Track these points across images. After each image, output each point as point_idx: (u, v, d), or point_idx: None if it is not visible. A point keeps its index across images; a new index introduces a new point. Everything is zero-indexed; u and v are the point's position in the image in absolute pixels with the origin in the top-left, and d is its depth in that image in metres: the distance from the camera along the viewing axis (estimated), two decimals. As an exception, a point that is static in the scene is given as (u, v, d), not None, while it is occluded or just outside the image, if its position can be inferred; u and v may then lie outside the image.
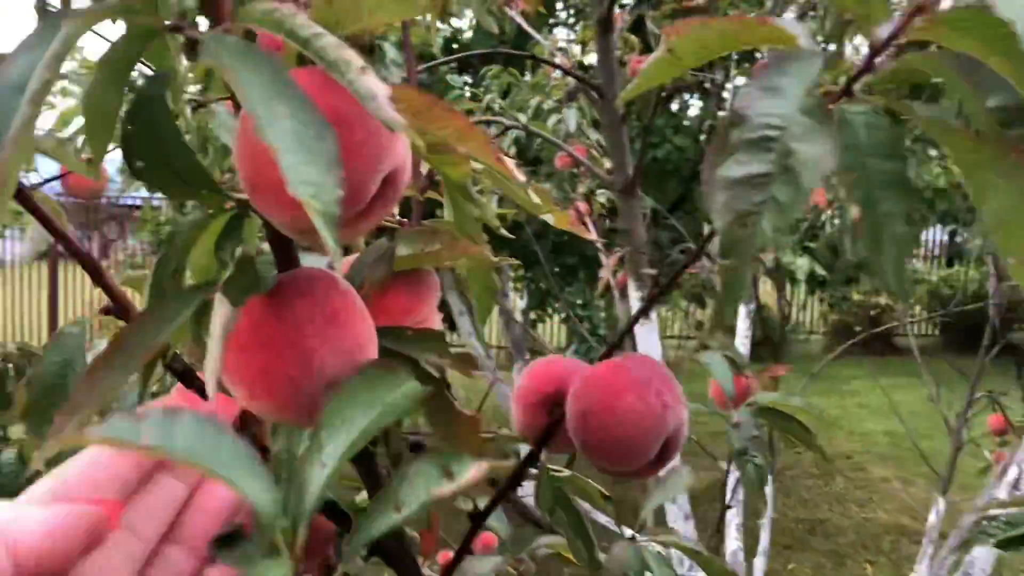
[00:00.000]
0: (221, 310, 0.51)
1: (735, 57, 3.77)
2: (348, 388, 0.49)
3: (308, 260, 0.65)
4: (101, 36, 1.12)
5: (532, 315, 6.36)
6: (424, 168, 0.77)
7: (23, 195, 0.68)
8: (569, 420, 0.70)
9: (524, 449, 0.80)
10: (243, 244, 0.63)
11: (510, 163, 0.60)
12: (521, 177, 0.68)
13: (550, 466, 0.79)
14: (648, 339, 2.27)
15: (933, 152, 5.10)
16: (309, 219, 0.42)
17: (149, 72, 0.55)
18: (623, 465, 0.68)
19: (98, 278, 0.71)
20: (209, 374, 0.49)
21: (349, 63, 0.47)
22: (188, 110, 1.84)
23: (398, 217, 0.79)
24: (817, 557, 5.23)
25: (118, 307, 0.73)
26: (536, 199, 0.69)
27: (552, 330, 8.94)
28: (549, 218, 0.73)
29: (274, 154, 0.42)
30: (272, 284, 0.55)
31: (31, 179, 1.55)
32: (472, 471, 0.45)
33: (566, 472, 0.81)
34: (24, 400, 0.67)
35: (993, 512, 1.29)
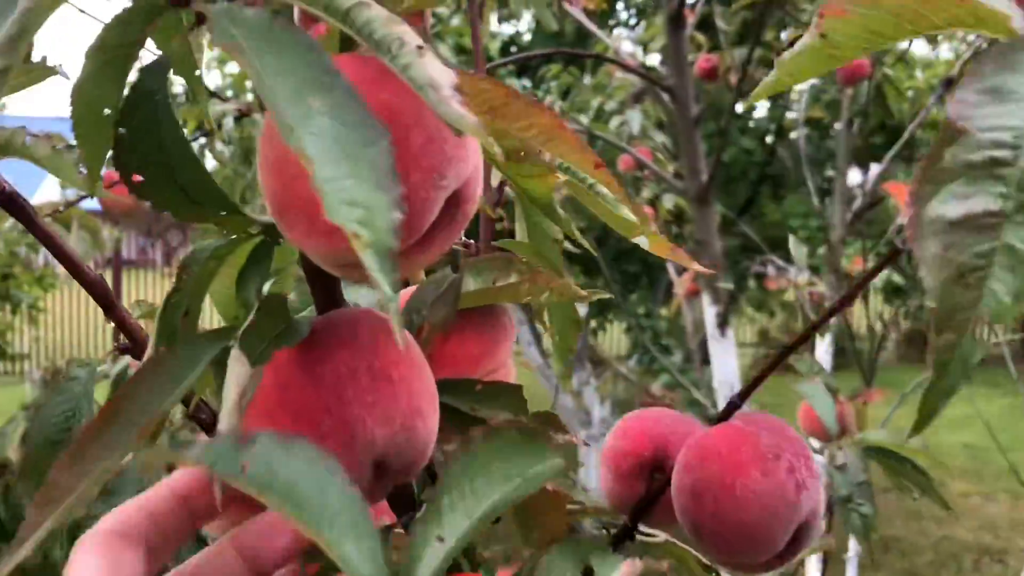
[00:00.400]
0: (237, 368, 0.38)
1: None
2: (479, 453, 0.39)
3: (352, 294, 0.52)
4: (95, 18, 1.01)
5: (592, 323, 6.20)
6: (495, 176, 0.64)
7: (25, 215, 0.56)
8: (676, 496, 0.57)
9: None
10: (276, 273, 0.52)
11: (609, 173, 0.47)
12: (619, 189, 0.55)
13: (642, 529, 0.65)
14: (724, 359, 2.12)
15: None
16: (353, 251, 0.30)
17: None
18: (742, 557, 0.55)
19: (110, 310, 0.60)
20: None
21: (402, 41, 0.35)
22: (231, 120, 1.74)
23: (463, 239, 0.66)
24: (894, 579, 4.99)
25: (135, 346, 0.61)
26: (632, 217, 0.55)
27: (613, 339, 8.75)
28: (642, 241, 0.60)
29: (306, 165, 0.30)
30: (306, 331, 0.42)
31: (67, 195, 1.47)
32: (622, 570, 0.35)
33: (660, 536, 0.67)
34: (21, 457, 0.56)
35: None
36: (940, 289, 0.35)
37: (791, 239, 2.18)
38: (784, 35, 3.32)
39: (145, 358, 0.46)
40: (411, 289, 0.54)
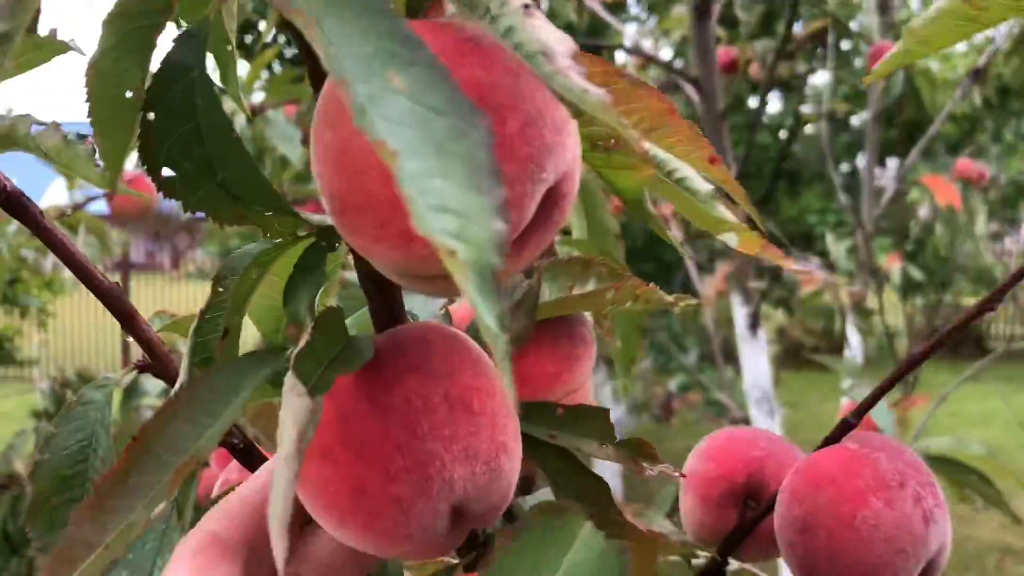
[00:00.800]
0: (294, 401, 0.32)
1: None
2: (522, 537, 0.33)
3: (407, 302, 0.45)
4: None
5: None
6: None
7: (31, 217, 0.50)
8: (783, 530, 0.50)
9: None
10: (327, 284, 0.45)
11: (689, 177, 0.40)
12: (706, 186, 0.48)
13: (733, 563, 0.58)
14: (755, 360, 2.05)
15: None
16: (437, 261, 0.23)
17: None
18: (862, 601, 0.48)
19: (128, 323, 0.53)
20: (278, 492, 0.30)
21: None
22: (243, 119, 1.67)
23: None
24: (916, 579, 4.91)
25: (155, 363, 0.54)
26: (729, 216, 0.48)
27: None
28: (730, 238, 0.53)
29: (385, 157, 0.23)
30: (370, 353, 0.35)
31: (75, 197, 1.40)
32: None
33: (754, 572, 0.60)
34: (30, 496, 0.50)
35: None
36: None
37: (828, 236, 2.10)
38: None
39: (177, 386, 0.39)
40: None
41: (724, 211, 0.49)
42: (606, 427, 0.43)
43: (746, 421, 2.21)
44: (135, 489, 0.33)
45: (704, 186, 0.49)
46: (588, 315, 0.51)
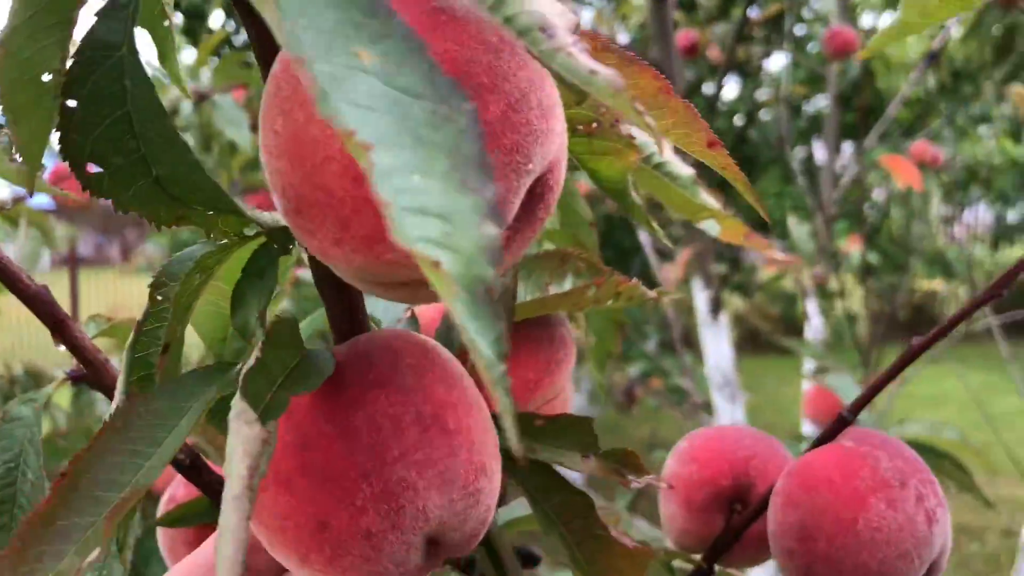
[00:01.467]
0: (243, 430, 0.28)
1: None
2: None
3: (368, 304, 0.41)
4: None
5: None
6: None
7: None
8: (778, 536, 0.47)
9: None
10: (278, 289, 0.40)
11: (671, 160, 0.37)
12: (687, 170, 0.45)
13: (719, 569, 0.55)
14: (717, 345, 2.03)
15: (983, 129, 4.81)
16: (408, 266, 0.19)
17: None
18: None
19: (59, 329, 0.48)
20: (225, 538, 0.26)
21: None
22: (189, 105, 1.60)
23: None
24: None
25: (90, 372, 0.50)
26: (713, 203, 0.45)
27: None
28: (711, 226, 0.50)
29: (353, 150, 0.19)
30: (329, 367, 0.31)
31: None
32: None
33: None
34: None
35: None
36: None
37: (789, 220, 2.09)
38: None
39: (112, 410, 0.34)
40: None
41: (706, 197, 0.45)
42: (589, 437, 0.40)
43: (708, 407, 2.20)
44: (64, 532, 0.29)
45: (685, 171, 0.46)
46: (563, 315, 0.47)
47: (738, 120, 5.30)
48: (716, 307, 2.02)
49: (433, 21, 0.26)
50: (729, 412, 2.03)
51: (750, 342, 6.31)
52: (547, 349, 0.45)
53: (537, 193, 0.29)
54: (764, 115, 5.11)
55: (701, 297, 2.05)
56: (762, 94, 4.69)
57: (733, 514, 0.51)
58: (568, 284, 0.44)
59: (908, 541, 0.44)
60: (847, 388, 1.09)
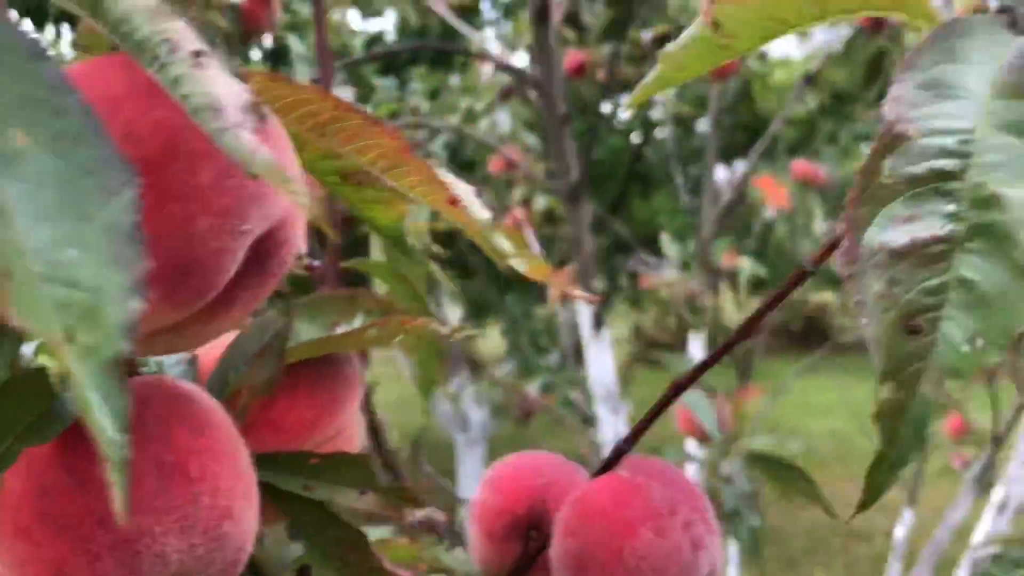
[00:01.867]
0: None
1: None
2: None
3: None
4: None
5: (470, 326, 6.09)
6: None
7: None
8: (557, 563, 0.49)
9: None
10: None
11: (469, 204, 0.39)
12: (484, 214, 0.47)
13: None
14: (600, 359, 2.08)
15: (865, 148, 5.03)
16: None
17: None
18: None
19: None
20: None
21: (172, 45, 0.25)
22: None
23: (308, 261, 0.56)
24: (768, 565, 5.12)
25: None
26: (506, 245, 0.47)
27: (493, 341, 8.68)
28: (519, 264, 0.52)
29: None
30: (69, 419, 0.32)
31: None
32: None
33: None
34: None
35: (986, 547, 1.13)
36: (885, 337, 0.28)
37: (663, 237, 2.15)
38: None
39: None
40: (230, 337, 0.44)
41: (500, 240, 0.47)
42: (366, 474, 0.41)
43: (593, 420, 2.25)
44: None
45: (484, 215, 0.48)
46: (352, 354, 0.49)
47: (635, 138, 5.43)
48: (599, 322, 2.07)
49: (150, 89, 0.28)
50: (612, 424, 2.07)
51: (647, 354, 6.43)
52: (328, 389, 0.47)
53: (264, 250, 0.30)
54: (660, 133, 5.24)
55: (584, 312, 2.09)
56: (656, 113, 4.81)
57: (529, 541, 0.53)
58: (358, 323, 0.46)
59: (672, 569, 0.46)
60: (700, 406, 1.13)
